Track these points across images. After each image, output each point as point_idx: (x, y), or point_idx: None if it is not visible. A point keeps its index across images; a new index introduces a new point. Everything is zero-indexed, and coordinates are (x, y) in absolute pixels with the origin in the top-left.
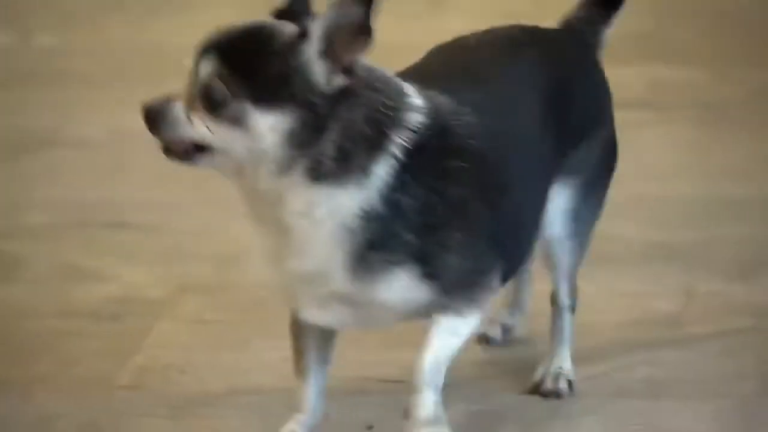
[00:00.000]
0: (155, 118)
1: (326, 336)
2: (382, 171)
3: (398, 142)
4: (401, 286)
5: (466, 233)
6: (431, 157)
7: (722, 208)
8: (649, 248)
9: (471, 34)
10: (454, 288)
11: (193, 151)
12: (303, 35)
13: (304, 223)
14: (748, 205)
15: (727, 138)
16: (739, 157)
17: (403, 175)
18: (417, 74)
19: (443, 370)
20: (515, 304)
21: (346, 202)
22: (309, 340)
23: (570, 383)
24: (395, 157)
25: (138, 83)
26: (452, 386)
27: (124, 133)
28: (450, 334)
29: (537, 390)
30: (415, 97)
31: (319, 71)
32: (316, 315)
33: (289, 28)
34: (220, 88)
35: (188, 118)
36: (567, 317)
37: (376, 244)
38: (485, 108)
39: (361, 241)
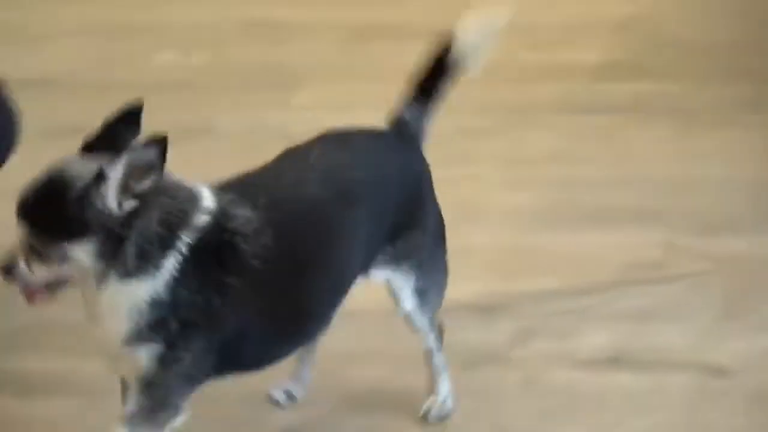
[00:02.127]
0: (9, 274)
1: None
2: (170, 265)
3: (185, 240)
4: (143, 359)
5: (198, 343)
6: (204, 256)
7: (692, 184)
8: (640, 213)
9: (304, 143)
10: (154, 393)
11: (48, 289)
12: (100, 177)
13: (109, 308)
14: (709, 182)
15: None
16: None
17: (183, 270)
18: (251, 178)
19: None
20: (297, 376)
21: (140, 292)
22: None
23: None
24: (181, 254)
25: (258, 91)
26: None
27: (255, 126)
28: None
29: (425, 418)
30: (207, 200)
31: (112, 202)
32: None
33: (86, 170)
34: (38, 244)
35: (29, 269)
36: (438, 356)
37: (151, 324)
38: (278, 211)
39: (142, 321)
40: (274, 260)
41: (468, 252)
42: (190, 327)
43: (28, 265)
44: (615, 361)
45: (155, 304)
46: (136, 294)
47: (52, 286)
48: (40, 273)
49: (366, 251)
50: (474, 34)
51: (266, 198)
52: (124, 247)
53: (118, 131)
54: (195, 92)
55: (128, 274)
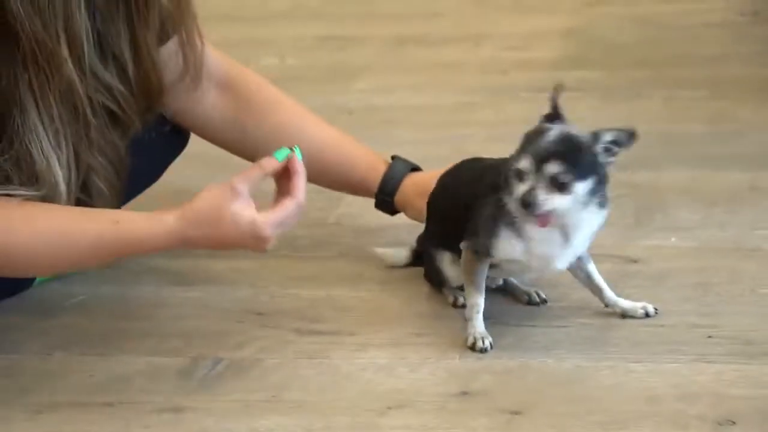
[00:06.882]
0: (531, 204)
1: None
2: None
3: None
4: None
5: None
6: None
7: None
8: None
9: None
10: None
11: (550, 215)
12: (596, 137)
13: (585, 228)
14: None
15: None
16: None
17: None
18: None
19: None
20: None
21: (602, 218)
22: (483, 273)
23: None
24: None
25: (329, 81)
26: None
27: (328, 104)
28: None
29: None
30: None
31: (602, 156)
32: (550, 269)
33: (579, 132)
34: (564, 178)
35: (547, 197)
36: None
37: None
38: None
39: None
40: None
41: None
42: None
43: (547, 195)
44: None
45: (602, 223)
46: (599, 220)
47: (557, 213)
48: (555, 201)
49: None
50: None
51: None
52: (601, 188)
53: (558, 108)
54: (288, 83)
55: (602, 206)
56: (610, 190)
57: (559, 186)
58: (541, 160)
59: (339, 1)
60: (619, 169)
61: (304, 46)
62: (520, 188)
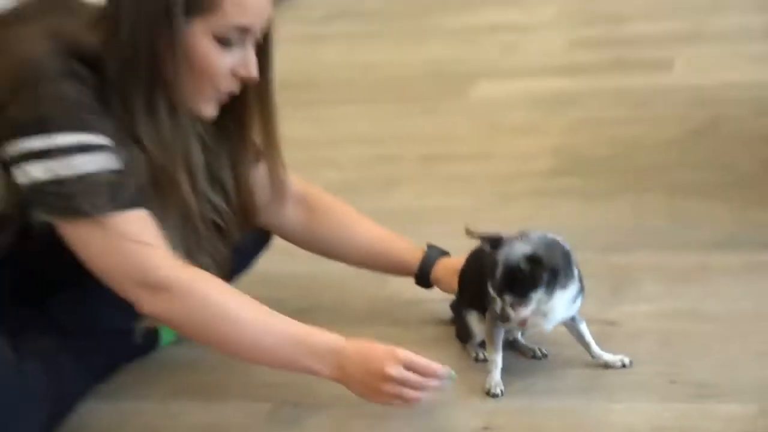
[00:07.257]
0: (507, 319)
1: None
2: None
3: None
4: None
5: None
6: None
7: (591, 228)
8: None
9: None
10: None
11: (523, 320)
12: (534, 257)
13: (558, 306)
14: (600, 226)
15: None
16: None
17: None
18: None
19: None
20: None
21: (572, 292)
22: (500, 336)
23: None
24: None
25: (375, 191)
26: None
27: (376, 209)
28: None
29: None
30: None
31: (537, 270)
32: (541, 328)
33: (518, 255)
34: (519, 302)
35: (514, 312)
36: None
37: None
38: None
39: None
40: None
41: None
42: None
43: (514, 310)
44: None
45: (577, 294)
46: (572, 293)
47: (528, 316)
48: (521, 314)
49: None
50: None
51: None
52: (556, 281)
53: (498, 236)
54: (345, 192)
55: (565, 286)
56: (584, 272)
57: (518, 303)
58: (499, 292)
59: (382, 127)
60: (598, 253)
61: (356, 163)
62: (496, 307)
